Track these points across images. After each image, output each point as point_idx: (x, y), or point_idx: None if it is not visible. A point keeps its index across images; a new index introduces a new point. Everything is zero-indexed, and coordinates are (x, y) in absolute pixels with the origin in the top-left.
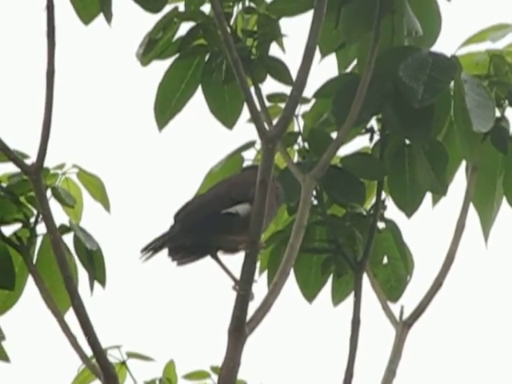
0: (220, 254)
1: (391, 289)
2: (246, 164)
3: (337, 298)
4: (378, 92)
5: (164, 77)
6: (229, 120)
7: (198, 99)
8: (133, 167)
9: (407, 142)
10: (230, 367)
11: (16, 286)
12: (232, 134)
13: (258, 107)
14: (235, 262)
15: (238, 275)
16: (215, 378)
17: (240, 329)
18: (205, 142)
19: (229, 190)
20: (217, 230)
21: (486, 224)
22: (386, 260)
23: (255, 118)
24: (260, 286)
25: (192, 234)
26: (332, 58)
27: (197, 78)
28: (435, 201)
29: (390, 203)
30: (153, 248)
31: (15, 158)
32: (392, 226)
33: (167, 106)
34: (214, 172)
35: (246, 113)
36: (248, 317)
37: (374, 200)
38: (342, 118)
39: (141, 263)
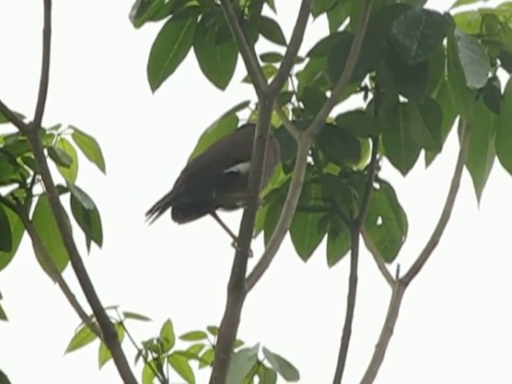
0: (218, 212)
1: (386, 250)
2: (240, 124)
3: (332, 259)
4: (372, 50)
5: (156, 38)
6: (221, 81)
7: (191, 61)
8: (127, 129)
9: (402, 99)
10: (229, 324)
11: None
12: (225, 95)
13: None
14: (234, 219)
15: (236, 232)
16: (212, 338)
17: (239, 285)
18: (198, 104)
19: (229, 150)
20: (219, 189)
21: (479, 184)
22: (380, 221)
23: (252, 74)
24: (258, 244)
25: (195, 194)
26: (323, 19)
27: (189, 39)
28: (429, 160)
29: (384, 164)
30: (158, 209)
31: (13, 117)
32: (386, 186)
33: (160, 67)
34: (208, 133)
35: (237, 75)
36: (247, 273)
37: (369, 160)
38: (336, 75)
39: (146, 226)
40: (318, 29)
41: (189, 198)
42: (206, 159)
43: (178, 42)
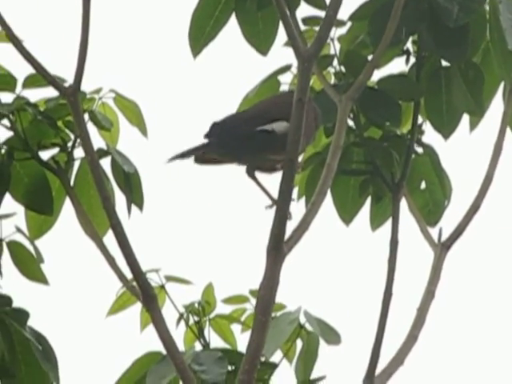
0: (258, 174)
1: (429, 213)
2: (282, 88)
3: (375, 223)
4: (414, 13)
5: (198, 4)
6: (263, 46)
7: (233, 26)
8: (169, 94)
9: (444, 64)
10: (268, 286)
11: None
12: (268, 60)
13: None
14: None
15: (275, 195)
16: (254, 301)
17: (278, 247)
18: (240, 69)
19: (266, 109)
20: (253, 148)
21: None
22: (423, 185)
23: (291, 37)
24: (298, 206)
25: (227, 150)
26: None
27: (230, 4)
28: (473, 124)
29: (427, 129)
30: (182, 154)
31: (53, 80)
32: (430, 150)
33: (201, 33)
34: (249, 96)
35: (279, 40)
36: (286, 236)
37: (411, 125)
38: (377, 38)
39: (164, 164)
40: None
41: (219, 153)
42: (240, 116)
43: (220, 7)
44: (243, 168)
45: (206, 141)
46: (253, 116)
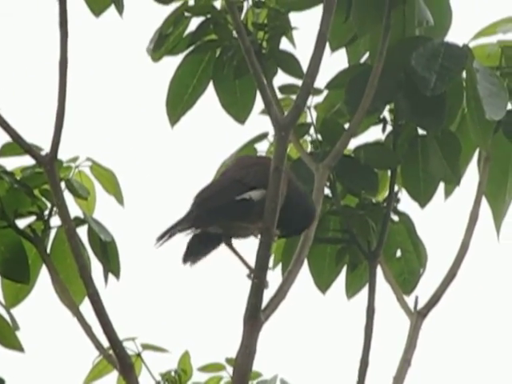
0: (234, 242)
1: (405, 282)
2: None
3: (351, 291)
4: (390, 81)
5: (175, 72)
6: (241, 115)
7: (210, 95)
8: (146, 162)
9: (420, 132)
10: (245, 355)
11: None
12: (244, 129)
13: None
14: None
15: (252, 263)
16: (230, 370)
17: (255, 316)
18: (217, 138)
19: (243, 176)
20: (232, 217)
21: (498, 216)
22: (399, 253)
23: (268, 105)
24: (275, 275)
25: (207, 220)
26: (342, 53)
27: (208, 73)
28: (448, 192)
29: (403, 196)
30: (168, 235)
31: (29, 148)
32: (405, 218)
33: (179, 101)
34: (226, 165)
35: (257, 108)
36: (263, 304)
37: (387, 192)
38: (354, 107)
39: (155, 249)
40: (338, 62)
41: (200, 226)
42: (218, 185)
43: (197, 76)
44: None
45: (185, 214)
46: (230, 184)
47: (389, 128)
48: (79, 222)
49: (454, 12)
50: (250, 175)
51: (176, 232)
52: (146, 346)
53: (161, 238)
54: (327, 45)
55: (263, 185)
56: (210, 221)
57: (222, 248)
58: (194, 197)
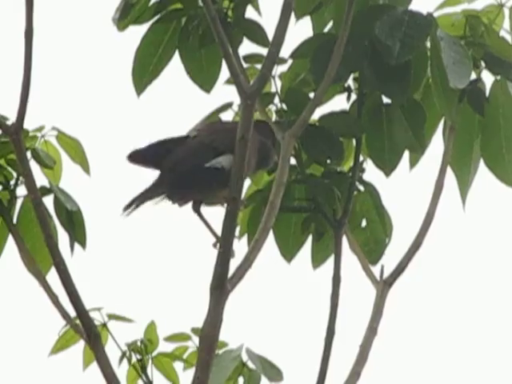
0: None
1: (370, 251)
2: None
3: (317, 261)
4: (355, 50)
5: (141, 42)
6: (206, 84)
7: (176, 64)
8: (112, 131)
9: (385, 100)
10: (212, 324)
11: None
12: (210, 97)
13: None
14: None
15: (219, 232)
16: (196, 340)
17: (222, 285)
18: (183, 107)
19: (212, 140)
20: (201, 183)
21: (464, 186)
22: (364, 223)
23: (234, 74)
24: (241, 244)
25: (177, 186)
26: (307, 21)
27: (174, 42)
28: (413, 162)
29: (368, 166)
30: (136, 203)
31: None
32: (371, 188)
33: (145, 71)
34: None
35: (223, 77)
36: (230, 274)
37: (352, 162)
38: (319, 76)
39: (122, 218)
40: (303, 31)
41: (169, 192)
42: (187, 150)
43: (163, 45)
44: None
45: (155, 181)
46: (199, 149)
47: (353, 97)
48: (45, 191)
49: None
50: (218, 140)
51: (146, 200)
52: (112, 316)
53: (128, 206)
54: (292, 13)
55: (231, 150)
56: (183, 189)
57: (190, 215)
58: (151, 145)
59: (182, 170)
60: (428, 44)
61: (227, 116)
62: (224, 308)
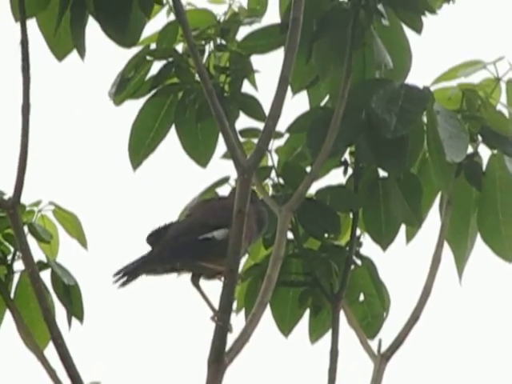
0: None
1: (368, 325)
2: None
3: (314, 336)
4: (351, 124)
5: (137, 116)
6: (202, 158)
7: (172, 138)
8: (109, 205)
9: (381, 174)
10: None
11: None
12: (206, 172)
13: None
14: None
15: (216, 305)
16: None
17: (219, 359)
18: (179, 181)
19: (206, 217)
20: (194, 255)
21: (460, 260)
22: (362, 297)
23: (231, 148)
24: (239, 318)
25: (170, 260)
26: (303, 96)
27: (170, 116)
28: (410, 235)
29: (365, 240)
30: (128, 272)
31: None
32: (368, 262)
33: (141, 145)
34: (189, 208)
35: (219, 151)
36: (227, 347)
37: (349, 236)
38: (315, 150)
39: (117, 288)
40: (300, 105)
41: (163, 264)
42: (181, 225)
43: (159, 119)
44: (187, 277)
45: (146, 254)
46: (193, 225)
47: (350, 171)
48: (42, 265)
49: (414, 55)
50: (212, 217)
51: (140, 273)
52: None
53: (118, 273)
54: (289, 87)
55: (226, 224)
56: (173, 259)
57: (188, 288)
58: (153, 233)
59: (174, 243)
60: (424, 118)
61: (224, 190)
62: (222, 382)
